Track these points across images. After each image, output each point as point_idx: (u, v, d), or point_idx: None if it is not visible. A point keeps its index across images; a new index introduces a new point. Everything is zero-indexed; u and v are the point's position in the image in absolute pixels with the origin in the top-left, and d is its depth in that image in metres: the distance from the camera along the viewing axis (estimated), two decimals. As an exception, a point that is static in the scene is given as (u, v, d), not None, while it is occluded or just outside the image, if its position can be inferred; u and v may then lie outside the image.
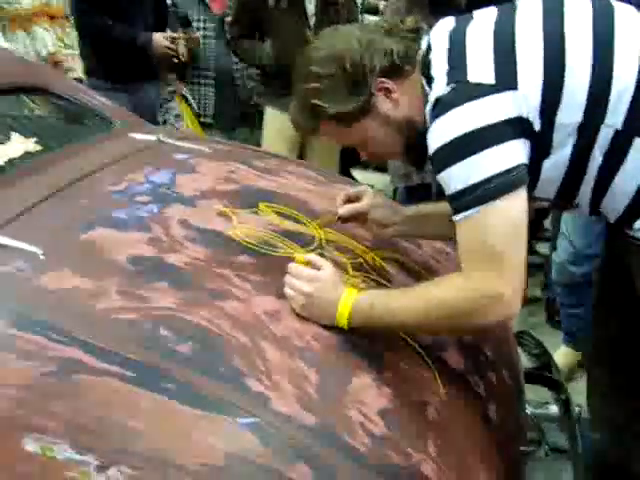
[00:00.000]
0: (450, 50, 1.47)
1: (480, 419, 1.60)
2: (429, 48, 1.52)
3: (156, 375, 1.25)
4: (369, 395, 1.39)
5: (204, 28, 4.04)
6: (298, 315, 1.49)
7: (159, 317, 1.36)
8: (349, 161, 4.56)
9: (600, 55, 1.40)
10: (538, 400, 2.20)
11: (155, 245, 1.55)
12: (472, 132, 1.37)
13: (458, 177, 1.40)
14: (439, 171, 1.43)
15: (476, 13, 1.55)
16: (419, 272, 1.84)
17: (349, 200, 1.85)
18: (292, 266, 1.55)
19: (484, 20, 1.51)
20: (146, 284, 1.44)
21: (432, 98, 1.44)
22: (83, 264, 1.47)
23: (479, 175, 1.37)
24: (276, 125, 3.78)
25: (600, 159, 1.45)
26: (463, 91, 1.40)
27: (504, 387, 1.77)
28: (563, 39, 1.42)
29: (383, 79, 1.52)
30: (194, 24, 4.03)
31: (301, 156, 3.95)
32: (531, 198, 1.48)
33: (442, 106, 1.41)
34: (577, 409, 2.13)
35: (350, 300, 1.48)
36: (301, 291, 1.49)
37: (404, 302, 1.46)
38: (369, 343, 1.50)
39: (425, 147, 1.45)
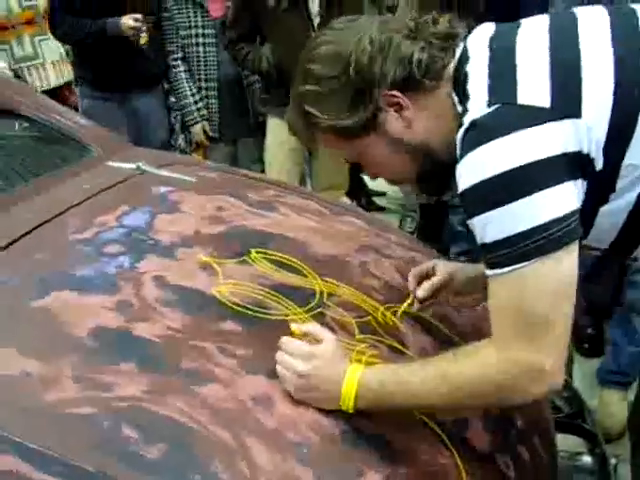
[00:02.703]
0: (493, 62, 1.20)
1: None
2: (465, 58, 1.24)
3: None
4: (379, 500, 1.15)
5: (203, 35, 3.69)
6: (292, 399, 1.24)
7: (122, 410, 1.13)
8: (360, 166, 4.30)
9: None
10: (569, 450, 1.98)
11: (123, 312, 1.32)
12: (519, 169, 1.10)
13: (496, 225, 1.14)
14: (472, 215, 1.17)
15: (524, 21, 1.28)
16: (438, 329, 1.59)
17: (422, 277, 1.57)
18: (285, 341, 1.29)
19: (538, 29, 1.24)
20: (109, 366, 1.20)
21: (467, 120, 1.17)
22: (33, 341, 1.24)
23: (524, 225, 1.11)
24: (279, 136, 3.53)
25: None
26: (510, 115, 1.13)
27: (537, 461, 1.53)
28: (638, 66, 1.17)
29: (394, 92, 1.25)
30: (192, 31, 3.70)
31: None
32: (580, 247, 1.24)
33: (481, 132, 1.14)
34: (613, 461, 1.92)
35: (356, 378, 1.24)
36: (296, 371, 1.24)
37: (422, 380, 1.22)
38: (378, 428, 1.26)
39: (445, 178, 1.22)
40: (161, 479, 1.06)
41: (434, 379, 1.21)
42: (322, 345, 1.28)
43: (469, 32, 1.29)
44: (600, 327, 3.30)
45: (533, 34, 1.24)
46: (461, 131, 1.18)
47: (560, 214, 1.12)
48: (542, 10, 1.58)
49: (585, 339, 3.17)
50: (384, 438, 1.25)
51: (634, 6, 1.26)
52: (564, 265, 1.14)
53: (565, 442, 1.94)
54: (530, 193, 1.11)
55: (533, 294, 1.14)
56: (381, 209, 4.76)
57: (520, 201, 1.11)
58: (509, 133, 1.11)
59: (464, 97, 1.21)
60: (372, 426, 1.26)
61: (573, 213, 1.13)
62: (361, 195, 4.82)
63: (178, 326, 1.31)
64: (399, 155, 1.31)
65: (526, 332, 1.14)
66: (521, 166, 1.11)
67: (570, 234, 1.13)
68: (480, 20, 1.32)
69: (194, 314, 1.36)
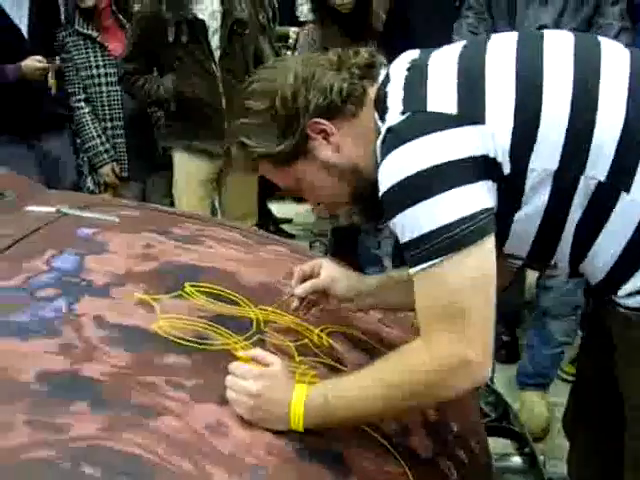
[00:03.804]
0: (408, 78, 1.29)
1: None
2: (387, 80, 1.33)
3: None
4: (335, 511, 1.19)
5: (105, 74, 3.62)
6: (245, 423, 1.27)
7: (80, 450, 1.12)
8: (265, 193, 4.35)
9: (581, 101, 1.23)
10: (498, 452, 2.05)
11: (67, 354, 1.31)
12: (429, 170, 1.18)
13: (413, 223, 1.21)
14: (391, 216, 1.24)
15: (445, 47, 1.38)
16: (370, 344, 1.64)
17: (304, 277, 1.61)
18: (235, 365, 1.33)
19: (451, 50, 1.34)
20: (61, 408, 1.19)
21: (383, 129, 1.26)
22: (-21, 391, 1.22)
23: (438, 221, 1.19)
24: (185, 169, 3.53)
25: (580, 213, 1.27)
26: (420, 121, 1.22)
27: (475, 461, 1.60)
28: (540, 75, 1.25)
29: (318, 120, 1.33)
30: (93, 71, 3.61)
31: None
32: (502, 256, 1.31)
33: (394, 138, 1.23)
34: (542, 458, 2.01)
35: (302, 398, 1.28)
36: (247, 392, 1.28)
37: (361, 390, 1.28)
38: (329, 444, 1.30)
39: (376, 198, 1.26)
40: (126, 515, 1.07)
41: (372, 384, 1.27)
42: (270, 367, 1.32)
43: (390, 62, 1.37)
44: (514, 333, 3.45)
45: (448, 52, 1.33)
46: (379, 140, 1.27)
47: (469, 212, 1.19)
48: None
49: (501, 346, 3.30)
50: (334, 451, 1.29)
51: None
52: (477, 260, 1.21)
53: (493, 445, 2.03)
54: (442, 191, 1.18)
55: (449, 289, 1.21)
56: (291, 236, 4.81)
57: (433, 198, 1.18)
58: (418, 137, 1.20)
59: (384, 112, 1.29)
60: (324, 443, 1.29)
61: (483, 211, 1.20)
62: (269, 223, 4.87)
63: (124, 363, 1.32)
64: (331, 178, 1.38)
65: (448, 326, 1.21)
66: (429, 167, 1.18)
67: (480, 231, 1.20)
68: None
69: (138, 351, 1.36)
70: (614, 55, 1.30)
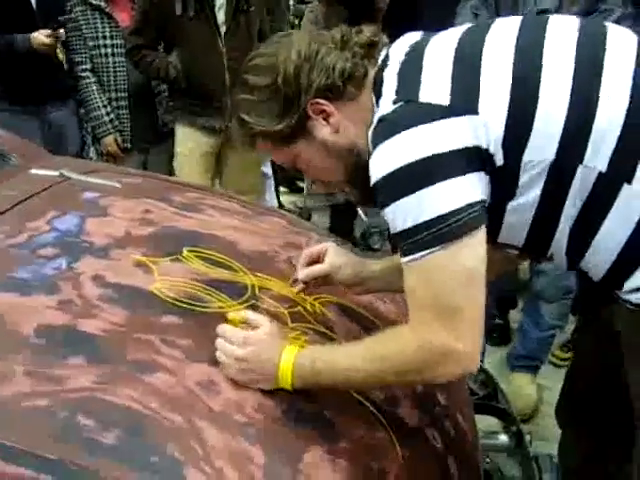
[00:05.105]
0: (404, 65, 1.29)
1: (441, 478, 1.46)
2: (385, 65, 1.33)
3: (79, 476, 1.07)
4: (323, 472, 1.23)
5: (112, 45, 3.62)
6: (236, 383, 1.31)
7: (76, 401, 1.17)
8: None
9: (581, 91, 1.21)
10: (485, 430, 2.09)
11: (66, 310, 1.35)
12: (421, 161, 1.18)
13: (405, 214, 1.21)
14: (383, 205, 1.24)
15: (449, 29, 1.37)
16: (363, 316, 1.67)
17: (311, 260, 1.63)
18: (223, 329, 1.36)
19: (451, 36, 1.32)
20: (58, 361, 1.24)
21: (375, 118, 1.27)
22: (-20, 341, 1.26)
23: (429, 213, 1.19)
24: (188, 143, 3.55)
25: (579, 206, 1.25)
26: (412, 112, 1.22)
27: (461, 434, 1.63)
28: (539, 63, 1.23)
29: (319, 100, 1.33)
30: (100, 41, 3.61)
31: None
32: (497, 246, 1.32)
33: (386, 128, 1.23)
34: (528, 437, 2.04)
35: (291, 359, 1.32)
36: (234, 356, 1.31)
37: (348, 361, 1.31)
38: (318, 408, 1.34)
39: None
40: (120, 463, 1.10)
41: (360, 360, 1.29)
42: (259, 330, 1.36)
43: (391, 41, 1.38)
44: (506, 317, 3.48)
45: (447, 38, 1.33)
46: (371, 128, 1.27)
47: (464, 203, 1.19)
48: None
49: (493, 328, 3.33)
50: (324, 416, 1.33)
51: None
52: (468, 251, 1.21)
53: (480, 423, 2.06)
54: (433, 182, 1.18)
55: (440, 280, 1.21)
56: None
57: (425, 190, 1.18)
58: (409, 128, 1.19)
59: (378, 98, 1.30)
60: (312, 406, 1.33)
61: (474, 204, 1.20)
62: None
63: (121, 321, 1.35)
64: (329, 159, 1.38)
65: (437, 316, 1.22)
66: (420, 159, 1.18)
67: (472, 222, 1.19)
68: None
69: (135, 310, 1.40)
70: (620, 42, 1.27)
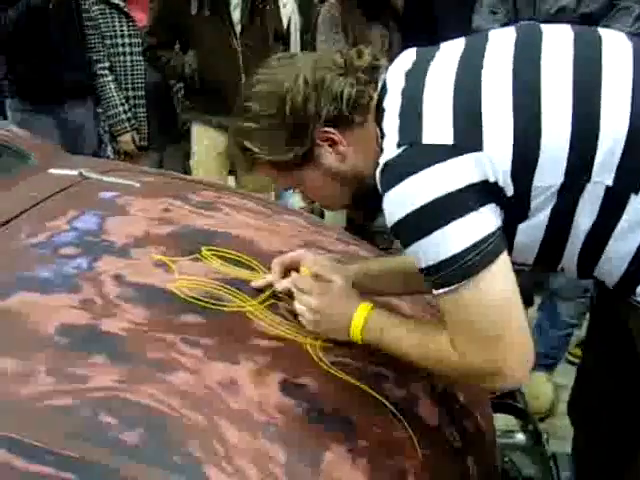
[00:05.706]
0: (404, 100, 1.28)
1: (460, 477, 1.46)
2: (385, 91, 1.32)
3: (100, 474, 1.08)
4: (344, 471, 1.23)
5: (130, 44, 3.64)
6: (256, 382, 1.31)
7: (98, 399, 1.18)
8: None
9: (582, 107, 1.20)
10: (502, 429, 2.09)
11: (88, 309, 1.36)
12: (432, 203, 1.18)
13: (426, 253, 1.22)
14: (405, 246, 1.26)
15: (442, 47, 1.36)
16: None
17: (284, 269, 1.59)
18: (299, 280, 1.45)
19: (446, 63, 1.30)
20: (80, 359, 1.25)
21: (381, 161, 1.25)
22: (3, 340, 1.27)
23: (450, 251, 1.20)
24: (204, 142, 3.57)
25: (588, 220, 1.25)
26: (416, 155, 1.21)
27: (479, 432, 1.63)
28: (537, 86, 1.22)
29: (328, 129, 1.32)
30: (118, 40, 3.63)
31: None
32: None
33: (392, 174, 1.22)
34: (545, 436, 2.04)
35: (364, 314, 1.41)
36: (311, 306, 1.40)
37: (408, 346, 1.36)
38: (337, 407, 1.34)
39: (376, 200, 1.27)
40: (142, 462, 1.11)
41: (418, 348, 1.34)
42: (333, 284, 1.44)
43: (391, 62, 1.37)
44: (523, 314, 3.46)
45: (445, 61, 1.31)
46: (378, 171, 1.26)
47: (480, 237, 1.19)
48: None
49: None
50: (344, 416, 1.33)
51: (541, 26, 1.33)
52: (496, 278, 1.21)
53: (498, 422, 2.06)
54: (448, 222, 1.18)
55: (475, 312, 1.22)
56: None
57: (441, 230, 1.18)
58: (416, 172, 1.19)
59: (382, 134, 1.29)
60: (332, 405, 1.33)
61: (492, 234, 1.20)
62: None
63: (141, 320, 1.36)
64: (334, 185, 1.39)
65: (476, 343, 1.23)
66: (432, 200, 1.18)
67: (492, 253, 1.20)
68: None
69: (155, 309, 1.41)
70: (616, 51, 1.27)
